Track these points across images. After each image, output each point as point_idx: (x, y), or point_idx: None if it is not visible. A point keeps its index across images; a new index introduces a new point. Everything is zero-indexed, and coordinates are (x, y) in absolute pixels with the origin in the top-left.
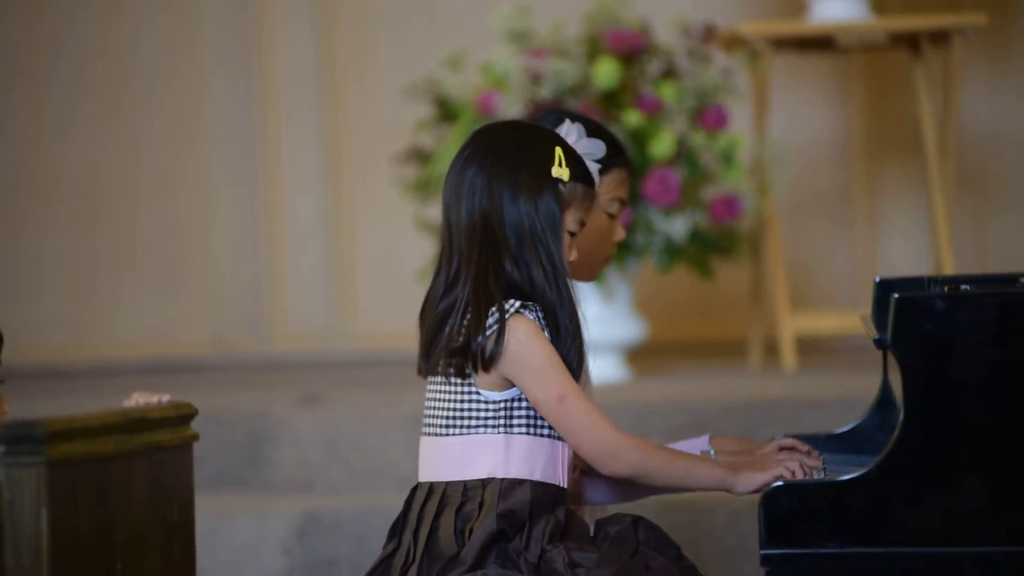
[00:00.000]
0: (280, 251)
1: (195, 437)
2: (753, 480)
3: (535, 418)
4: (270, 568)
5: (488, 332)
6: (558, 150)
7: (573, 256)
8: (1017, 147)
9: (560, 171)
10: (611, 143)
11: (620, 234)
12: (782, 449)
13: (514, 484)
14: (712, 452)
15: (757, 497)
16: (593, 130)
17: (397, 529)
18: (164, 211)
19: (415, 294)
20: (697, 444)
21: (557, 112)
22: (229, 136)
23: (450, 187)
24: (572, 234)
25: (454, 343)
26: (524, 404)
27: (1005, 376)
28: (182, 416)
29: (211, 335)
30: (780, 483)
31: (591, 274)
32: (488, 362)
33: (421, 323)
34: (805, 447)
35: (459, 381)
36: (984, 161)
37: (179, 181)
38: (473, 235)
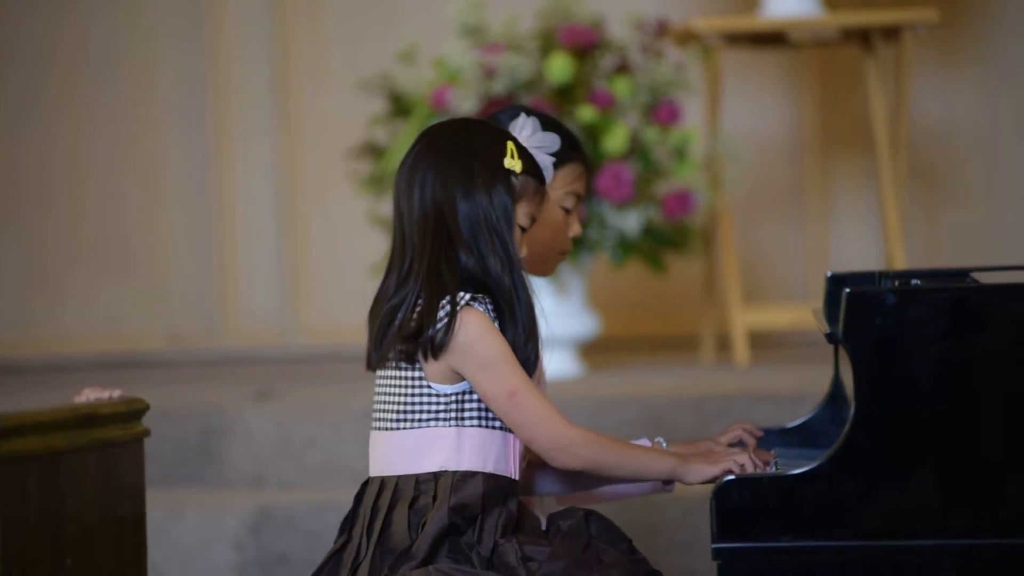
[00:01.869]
0: (232, 246)
1: (146, 433)
2: (702, 472)
3: (486, 410)
4: (222, 563)
5: (438, 323)
6: (509, 143)
7: (523, 251)
8: (968, 142)
9: (512, 163)
10: (567, 137)
11: (576, 229)
12: (732, 445)
13: (466, 477)
14: (664, 443)
15: (709, 491)
16: (548, 124)
17: (347, 524)
18: (116, 205)
19: (368, 289)
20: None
21: (513, 107)
22: (181, 129)
23: (402, 182)
24: (523, 229)
25: (405, 330)
26: (475, 397)
27: (955, 370)
28: (133, 412)
29: (166, 334)
30: (732, 477)
31: (546, 269)
32: (437, 351)
33: (371, 319)
34: (760, 432)
35: (409, 374)
36: (935, 156)
37: (131, 175)
38: (426, 227)
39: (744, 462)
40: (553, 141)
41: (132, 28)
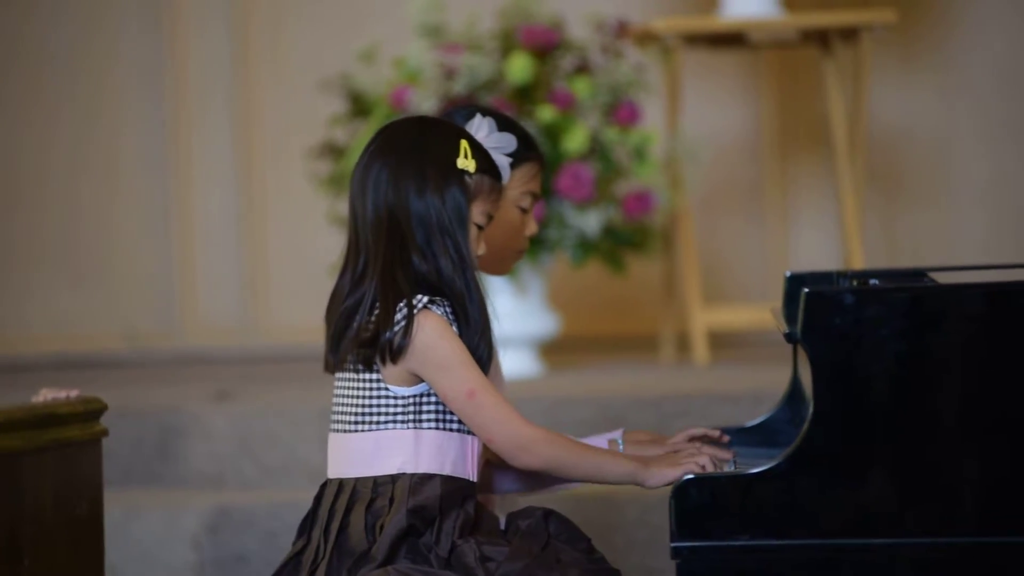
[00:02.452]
0: (191, 246)
1: (104, 432)
2: (663, 475)
3: (444, 412)
4: (180, 563)
5: (396, 327)
6: (463, 142)
7: (481, 250)
8: (926, 143)
9: (466, 163)
10: (522, 137)
11: (532, 228)
12: (692, 439)
13: (424, 479)
14: (620, 441)
15: (668, 490)
16: (504, 124)
17: (307, 525)
18: (75, 205)
19: (327, 289)
20: (606, 438)
21: (468, 107)
22: (140, 127)
23: (356, 182)
24: (480, 227)
25: (363, 335)
26: (433, 399)
27: (912, 370)
28: (91, 411)
29: (124, 332)
30: (690, 476)
31: (503, 268)
32: (395, 354)
33: (328, 319)
34: (715, 433)
35: (367, 376)
36: (893, 157)
37: (90, 175)
38: (379, 229)
39: (704, 462)
40: (509, 141)
41: (91, 28)
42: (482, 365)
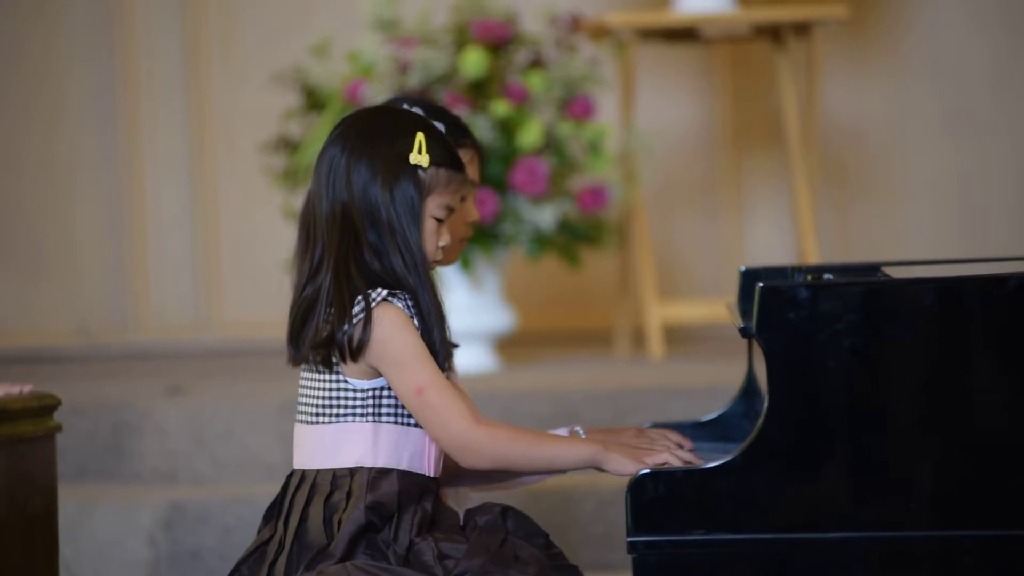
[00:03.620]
0: (144, 240)
1: (58, 428)
2: (623, 465)
3: (402, 406)
4: (135, 560)
5: (354, 321)
6: (420, 136)
7: (444, 241)
8: (878, 138)
9: (419, 158)
10: (454, 125)
11: (474, 215)
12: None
13: (381, 474)
14: (581, 431)
15: (624, 485)
16: (434, 113)
17: (273, 514)
18: (27, 198)
19: (281, 284)
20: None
21: (398, 98)
22: (91, 121)
23: (315, 174)
24: (439, 220)
25: (320, 336)
26: (392, 393)
27: (866, 364)
28: (44, 407)
29: (76, 327)
30: (646, 470)
31: (450, 257)
32: (356, 352)
33: (290, 311)
34: (675, 435)
35: (327, 371)
36: (846, 152)
37: (41, 168)
38: (333, 224)
39: (666, 459)
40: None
41: (38, 22)
42: (439, 360)
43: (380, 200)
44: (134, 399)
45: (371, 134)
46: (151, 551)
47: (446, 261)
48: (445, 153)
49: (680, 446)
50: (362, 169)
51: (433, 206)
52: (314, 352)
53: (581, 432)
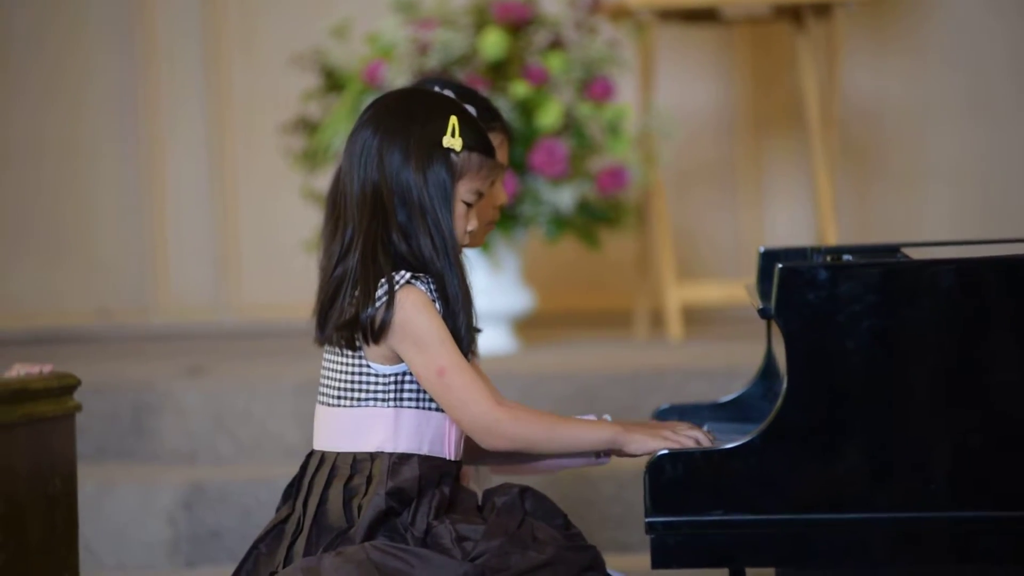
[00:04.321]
0: (164, 221)
1: (78, 408)
2: (644, 443)
3: (424, 392)
4: (155, 539)
5: (377, 303)
6: (453, 119)
7: (472, 225)
8: (899, 119)
9: (452, 141)
10: (485, 108)
11: (502, 198)
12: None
13: (402, 459)
14: (609, 419)
15: (643, 466)
16: (465, 96)
17: (292, 493)
18: (48, 180)
19: (300, 265)
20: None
21: (430, 80)
22: (112, 103)
23: (346, 154)
24: (469, 204)
25: (344, 316)
26: (414, 378)
27: (885, 345)
28: (65, 387)
29: (97, 308)
30: (665, 451)
31: (476, 240)
32: (378, 333)
33: (319, 289)
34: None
35: (351, 353)
36: (866, 133)
37: (62, 150)
38: (364, 205)
39: (692, 440)
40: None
41: (61, 5)
42: (463, 345)
43: (412, 182)
44: (154, 380)
45: (405, 116)
46: (171, 531)
47: (473, 244)
48: (478, 137)
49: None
50: (395, 151)
51: (464, 190)
52: (339, 333)
53: (608, 419)
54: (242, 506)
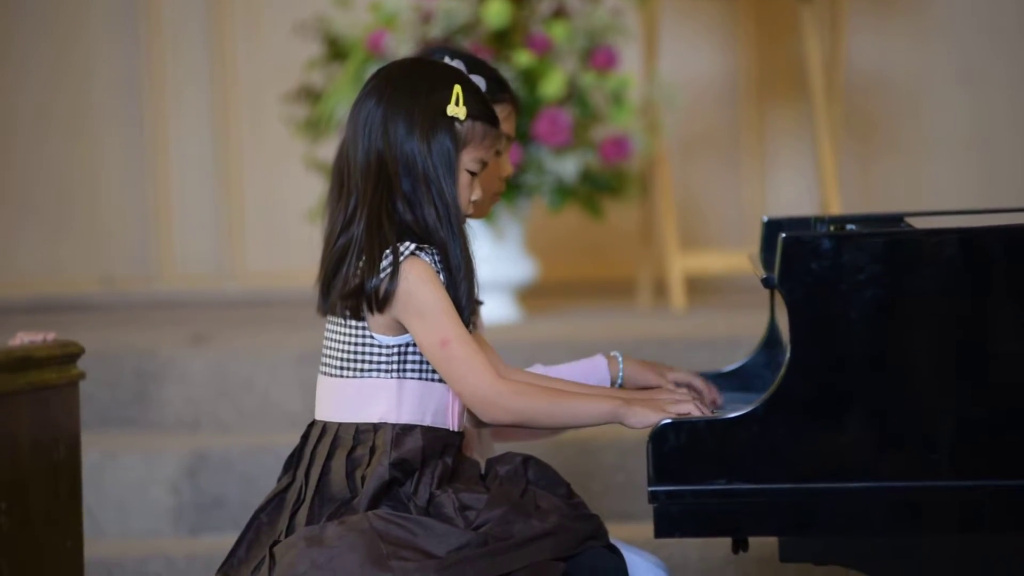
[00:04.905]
0: (167, 190)
1: (81, 376)
2: (645, 417)
3: (427, 363)
4: (158, 507)
5: (382, 274)
6: (457, 88)
7: (476, 195)
8: (902, 89)
9: (456, 110)
10: (494, 79)
11: (508, 169)
12: (680, 384)
13: (405, 430)
14: (620, 358)
15: (646, 435)
16: (474, 66)
17: (292, 463)
18: (52, 149)
19: (304, 233)
20: (596, 363)
21: (440, 49)
22: (117, 72)
23: (350, 124)
24: (473, 173)
25: (349, 286)
26: (417, 349)
27: (888, 314)
28: (68, 355)
29: (101, 276)
30: (668, 420)
31: (482, 211)
32: (382, 303)
33: (322, 258)
34: (709, 386)
35: (354, 323)
36: (870, 103)
37: (67, 119)
38: (368, 174)
39: (688, 410)
40: (480, 84)
41: None
42: (464, 315)
43: (417, 151)
44: (157, 348)
45: (409, 85)
46: (174, 499)
47: (478, 214)
48: (482, 107)
49: (703, 401)
50: (399, 120)
51: (468, 159)
52: (343, 302)
53: (619, 357)
54: (245, 474)
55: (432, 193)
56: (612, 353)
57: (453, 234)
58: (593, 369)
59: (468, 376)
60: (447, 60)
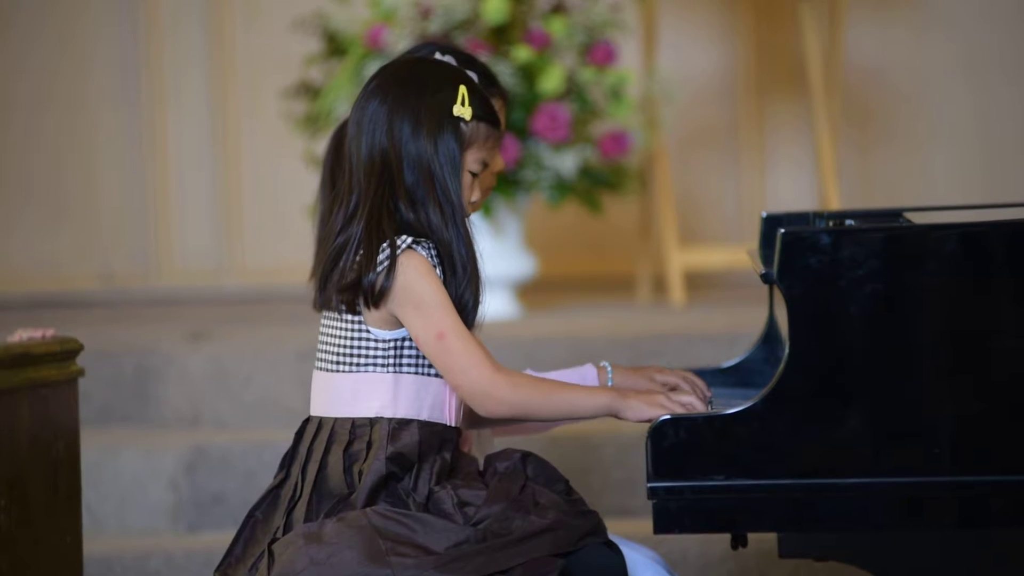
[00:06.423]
0: (167, 186)
1: (81, 372)
2: (641, 411)
3: (423, 357)
4: (158, 503)
5: (379, 268)
6: (462, 88)
7: (475, 196)
8: (902, 83)
9: (462, 110)
10: (482, 74)
11: (499, 164)
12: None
13: (402, 424)
14: (608, 367)
15: (644, 431)
16: (464, 61)
17: (287, 460)
18: (50, 145)
19: (303, 229)
20: (585, 372)
21: (426, 45)
22: (113, 67)
23: (353, 122)
24: (474, 174)
25: (345, 280)
26: (413, 343)
27: (887, 310)
28: (67, 351)
29: (99, 272)
30: (667, 416)
31: (474, 206)
32: (378, 297)
33: (318, 256)
34: (700, 382)
35: (350, 318)
36: (869, 97)
37: (64, 113)
38: (371, 171)
39: (687, 401)
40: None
41: None
42: (467, 314)
43: (424, 152)
44: (156, 344)
45: (414, 85)
46: (173, 495)
47: (472, 209)
48: (485, 108)
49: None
50: (405, 119)
51: (471, 160)
52: (339, 296)
53: (608, 367)
54: (244, 471)
55: (437, 193)
56: (602, 363)
57: (458, 234)
58: (581, 379)
59: (466, 369)
60: (437, 56)
